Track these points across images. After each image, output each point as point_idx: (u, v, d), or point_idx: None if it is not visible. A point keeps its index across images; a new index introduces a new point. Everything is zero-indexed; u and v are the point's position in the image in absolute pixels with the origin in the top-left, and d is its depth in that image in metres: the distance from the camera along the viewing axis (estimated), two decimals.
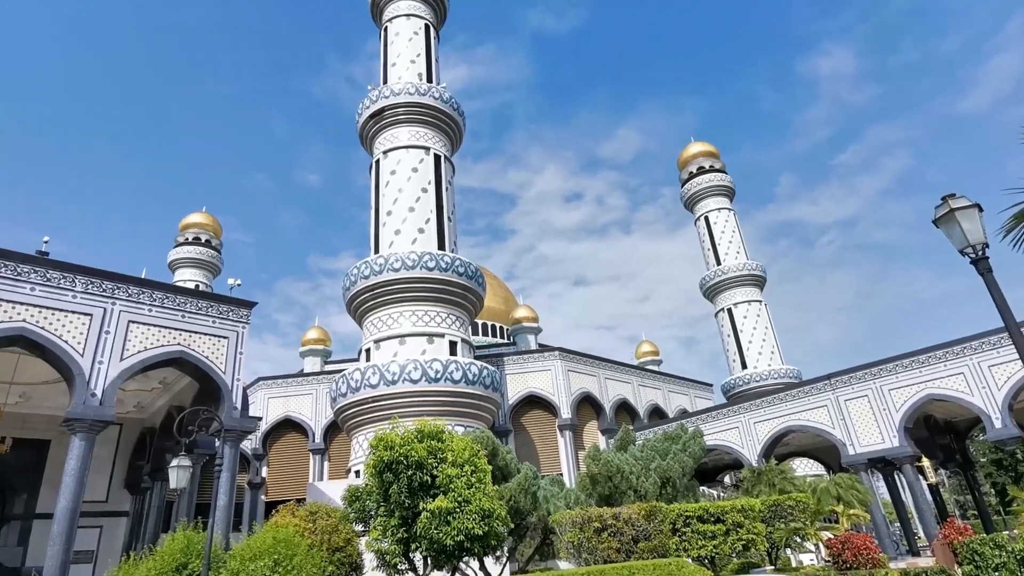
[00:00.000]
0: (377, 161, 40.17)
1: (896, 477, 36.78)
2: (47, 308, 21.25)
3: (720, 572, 19.92)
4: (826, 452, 41.26)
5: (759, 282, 59.78)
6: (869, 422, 31.50)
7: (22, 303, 20.82)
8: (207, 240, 59.65)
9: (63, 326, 21.36)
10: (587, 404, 44.21)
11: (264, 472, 41.21)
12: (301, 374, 45.35)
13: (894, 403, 30.82)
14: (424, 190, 38.16)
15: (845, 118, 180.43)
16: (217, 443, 26.73)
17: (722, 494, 37.85)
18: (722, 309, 59.60)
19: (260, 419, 35.55)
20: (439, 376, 31.50)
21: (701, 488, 28.76)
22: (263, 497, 40.30)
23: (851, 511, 23.18)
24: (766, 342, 56.85)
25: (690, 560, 16.71)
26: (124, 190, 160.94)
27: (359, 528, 17.58)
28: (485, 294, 38.32)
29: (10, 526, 29.53)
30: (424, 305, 34.45)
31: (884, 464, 32.88)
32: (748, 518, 18.29)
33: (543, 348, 45.96)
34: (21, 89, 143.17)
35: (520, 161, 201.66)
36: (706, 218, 63.23)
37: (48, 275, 21.66)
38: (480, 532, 13.76)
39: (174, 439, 27.81)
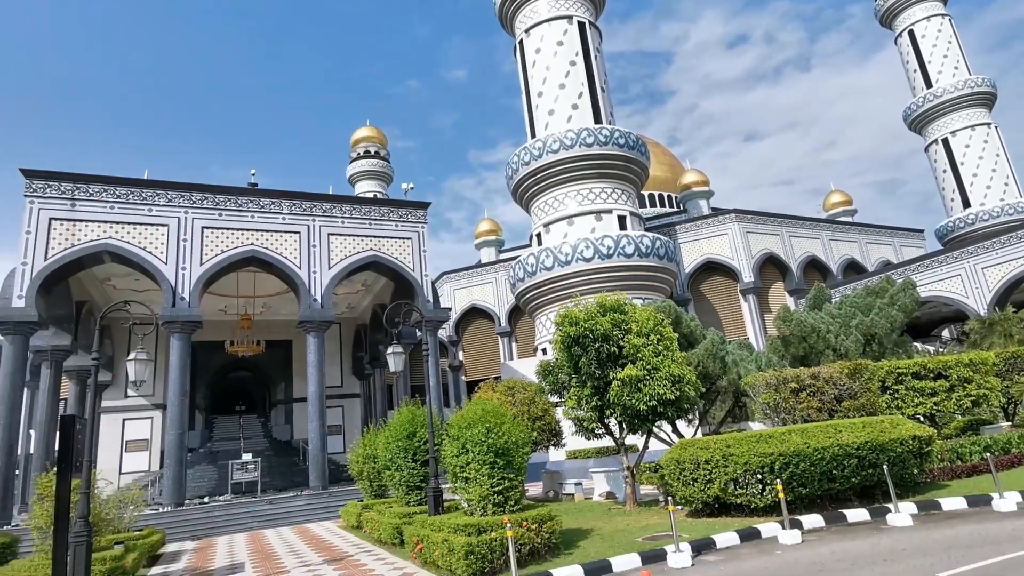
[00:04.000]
0: (520, 42, 38.73)
1: None
2: (266, 231, 24.63)
3: (942, 430, 18.32)
4: None
5: (986, 100, 49.12)
6: None
7: (248, 229, 24.35)
8: (376, 152, 63.70)
9: (280, 244, 24.70)
10: (771, 265, 41.53)
11: (461, 356, 45.71)
12: (479, 265, 48.18)
13: None
14: (572, 63, 36.27)
15: None
16: (418, 333, 30.06)
17: (940, 350, 34.00)
18: (934, 141, 50.50)
19: (450, 309, 38.90)
20: (611, 252, 31.41)
21: (914, 344, 26.02)
22: (463, 377, 45.00)
23: None
24: (997, 172, 47.52)
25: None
26: (300, 116, 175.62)
27: (553, 399, 18.87)
28: (649, 163, 36.52)
29: (277, 409, 36.73)
30: (588, 183, 33.89)
31: None
32: (978, 372, 16.28)
33: (717, 212, 43.30)
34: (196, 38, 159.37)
35: (672, 11, 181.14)
36: (911, 32, 52.29)
37: (261, 203, 24.88)
38: (672, 397, 13.96)
39: (383, 332, 31.72)
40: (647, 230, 37.34)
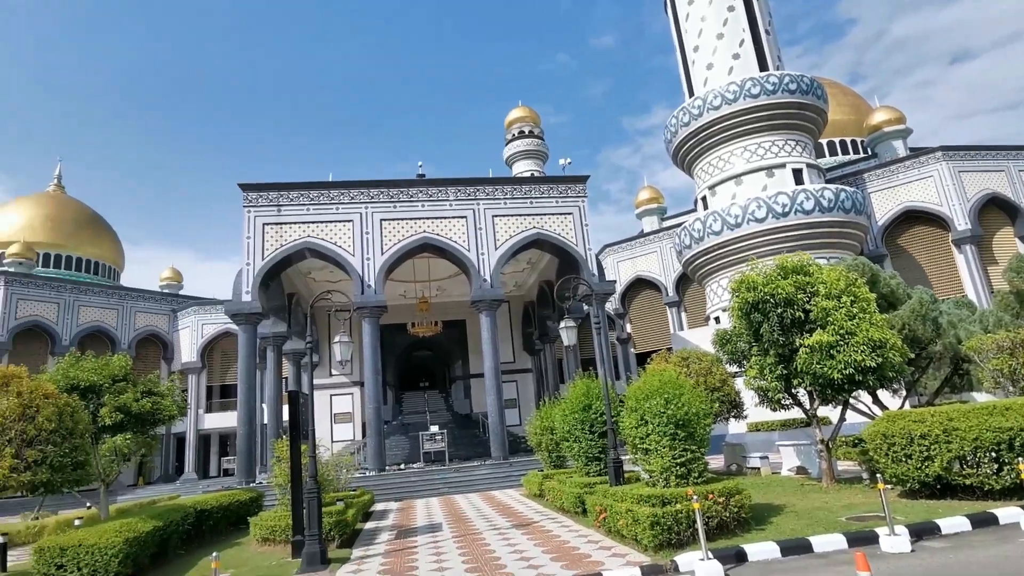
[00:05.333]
0: None
1: None
2: (435, 218, 26.25)
3: None
4: None
5: None
6: None
7: (419, 217, 26.16)
8: (530, 131, 64.56)
9: (449, 229, 26.18)
10: (994, 208, 35.13)
11: (628, 328, 45.16)
12: (642, 235, 46.96)
13: None
14: (731, 8, 33.47)
15: None
16: (585, 307, 30.21)
17: None
18: None
19: (615, 282, 38.54)
20: (787, 210, 28.80)
21: None
22: (632, 350, 44.47)
23: None
24: None
25: None
26: (457, 103, 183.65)
27: (732, 369, 17.90)
28: (827, 107, 32.69)
29: (456, 384, 39.38)
30: (756, 137, 31.28)
31: None
32: None
33: (917, 152, 37.51)
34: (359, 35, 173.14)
35: None
36: None
37: (429, 192, 26.54)
38: (872, 364, 12.49)
39: (550, 307, 32.35)
40: (828, 182, 33.60)
